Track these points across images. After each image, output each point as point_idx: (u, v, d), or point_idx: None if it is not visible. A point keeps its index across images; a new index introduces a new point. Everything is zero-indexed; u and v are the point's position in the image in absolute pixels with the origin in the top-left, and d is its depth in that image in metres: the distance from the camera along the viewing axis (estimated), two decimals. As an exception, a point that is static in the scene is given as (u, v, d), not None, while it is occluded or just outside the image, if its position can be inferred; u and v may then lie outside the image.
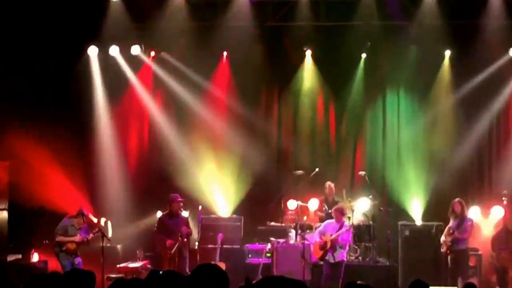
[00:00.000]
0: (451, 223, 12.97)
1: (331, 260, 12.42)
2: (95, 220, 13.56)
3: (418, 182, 14.89)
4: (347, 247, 12.87)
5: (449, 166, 14.89)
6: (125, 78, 15.52)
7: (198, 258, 13.01)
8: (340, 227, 12.45)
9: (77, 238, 12.13)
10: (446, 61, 15.29)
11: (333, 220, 12.67)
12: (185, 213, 13.23)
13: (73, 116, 14.92)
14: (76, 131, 14.97)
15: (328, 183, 14.58)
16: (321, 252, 12.52)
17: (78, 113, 15.03)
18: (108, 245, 13.14)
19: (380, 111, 15.77)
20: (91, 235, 12.28)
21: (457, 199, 13.03)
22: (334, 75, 15.71)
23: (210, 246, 13.75)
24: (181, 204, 12.68)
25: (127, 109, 15.73)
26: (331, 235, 12.39)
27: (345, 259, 12.67)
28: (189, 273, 11.05)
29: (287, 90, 16.07)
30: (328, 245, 12.39)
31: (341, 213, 12.63)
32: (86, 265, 11.87)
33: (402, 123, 15.59)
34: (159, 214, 13.76)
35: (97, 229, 12.50)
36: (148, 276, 5.26)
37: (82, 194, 14.49)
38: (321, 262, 12.68)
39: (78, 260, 12.26)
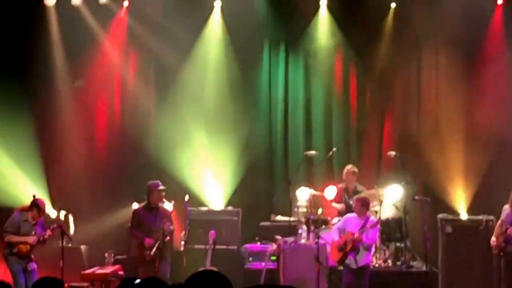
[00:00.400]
0: (504, 216, 12.60)
1: (353, 265, 12.12)
2: (53, 213, 13.78)
3: (463, 164, 14.80)
4: (373, 248, 12.67)
5: (505, 143, 14.68)
6: (91, 34, 15.46)
7: (184, 262, 12.87)
8: (365, 223, 12.16)
9: (32, 239, 11.97)
10: (499, 10, 15.17)
11: (354, 214, 12.41)
12: (168, 205, 13.15)
13: (26, 83, 14.91)
14: (28, 102, 14.91)
15: (349, 167, 14.40)
16: (340, 255, 12.21)
17: (32, 79, 15.00)
18: (70, 245, 13.04)
19: (414, 75, 15.64)
20: (48, 232, 12.06)
21: None
22: (355, 30, 15.47)
23: (199, 246, 13.60)
24: (163, 193, 12.52)
25: (94, 73, 15.60)
26: (353, 233, 12.09)
27: (370, 263, 12.44)
28: (169, 280, 10.57)
29: (296, 49, 15.97)
30: (349, 246, 12.08)
31: (364, 204, 12.33)
32: (42, 271, 11.74)
33: (442, 89, 15.44)
34: (135, 206, 13.65)
35: (55, 224, 12.31)
36: (121, 286, 5.26)
37: (36, 182, 14.50)
38: (340, 267, 12.49)
39: (32, 265, 12.05)
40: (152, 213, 12.35)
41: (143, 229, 12.29)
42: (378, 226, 12.53)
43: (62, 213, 14.40)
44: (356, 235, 12.03)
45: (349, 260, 12.15)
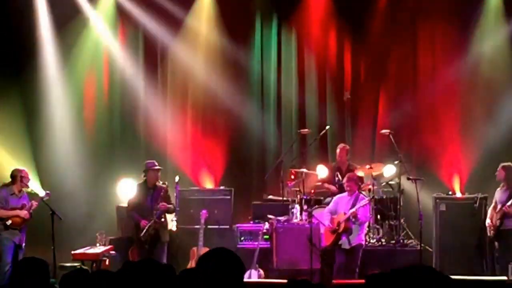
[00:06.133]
0: (498, 196, 13.01)
1: (346, 246, 12.41)
2: (41, 192, 13.52)
3: (459, 141, 14.89)
4: (366, 227, 12.88)
5: (501, 121, 14.75)
6: (78, 8, 15.40)
7: (175, 242, 13.42)
8: (355, 201, 12.44)
9: (24, 213, 12.38)
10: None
11: (345, 194, 12.68)
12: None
13: (12, 59, 15.01)
14: (15, 78, 15.04)
15: (341, 145, 14.48)
16: (332, 237, 12.52)
17: (18, 55, 15.11)
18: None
19: (410, 51, 15.63)
20: (33, 202, 12.54)
21: (502, 164, 12.96)
22: (350, 4, 15.66)
23: (191, 226, 13.86)
24: (158, 173, 12.84)
25: (82, 48, 15.61)
26: (345, 213, 12.37)
27: (363, 242, 12.66)
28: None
29: (288, 22, 16.01)
30: (342, 226, 12.35)
31: (354, 182, 12.59)
32: (30, 251, 12.25)
33: (439, 64, 15.46)
34: (123, 183, 14.43)
35: (44, 194, 12.82)
36: (122, 269, 5.27)
37: (23, 160, 14.39)
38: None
39: (23, 239, 12.51)
40: (149, 192, 12.69)
41: (139, 207, 12.63)
42: (369, 203, 12.71)
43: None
44: (348, 214, 12.25)
45: (342, 241, 12.36)
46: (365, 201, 12.47)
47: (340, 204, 12.59)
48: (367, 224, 12.97)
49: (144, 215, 12.58)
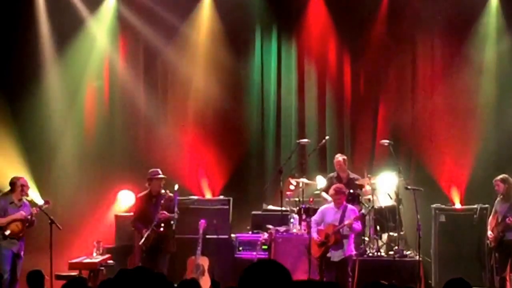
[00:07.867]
0: (498, 207, 13.04)
1: (335, 258, 12.15)
2: (40, 201, 13.54)
3: (458, 153, 14.89)
4: (353, 236, 12.48)
5: (501, 133, 14.84)
6: (79, 18, 15.46)
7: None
8: (343, 213, 12.20)
9: (20, 214, 12.34)
10: (494, -6, 15.24)
11: (331, 205, 12.44)
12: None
13: (12, 66, 15.03)
14: (15, 85, 15.07)
15: (338, 155, 14.41)
16: (321, 250, 12.28)
17: (18, 63, 15.09)
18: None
19: (409, 61, 15.69)
20: (34, 209, 12.50)
21: (499, 177, 12.99)
22: (349, 15, 15.68)
23: (189, 236, 13.72)
24: (162, 182, 12.83)
25: (82, 58, 15.61)
26: (335, 226, 12.11)
27: (353, 253, 12.43)
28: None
29: (288, 35, 16.11)
30: (332, 239, 12.11)
31: (343, 195, 12.34)
32: (28, 260, 12.33)
33: (438, 76, 15.52)
34: (122, 193, 14.57)
35: (43, 203, 12.76)
36: (117, 276, 5.16)
37: (20, 170, 14.27)
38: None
39: (22, 249, 12.47)
40: (152, 201, 12.68)
41: (144, 218, 12.61)
42: (361, 215, 12.46)
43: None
44: (339, 226, 11.99)
45: (331, 253, 12.10)
46: (353, 214, 12.21)
47: (327, 215, 12.35)
48: (358, 233, 12.80)
49: (148, 224, 12.52)
